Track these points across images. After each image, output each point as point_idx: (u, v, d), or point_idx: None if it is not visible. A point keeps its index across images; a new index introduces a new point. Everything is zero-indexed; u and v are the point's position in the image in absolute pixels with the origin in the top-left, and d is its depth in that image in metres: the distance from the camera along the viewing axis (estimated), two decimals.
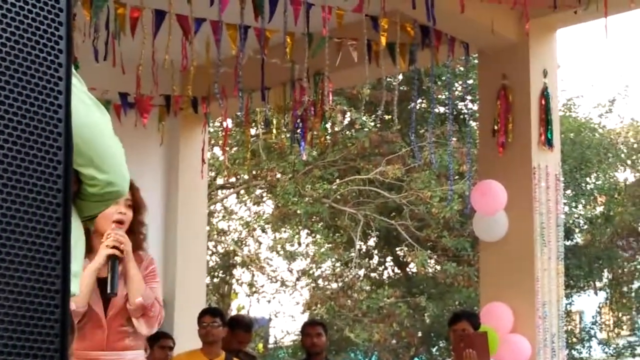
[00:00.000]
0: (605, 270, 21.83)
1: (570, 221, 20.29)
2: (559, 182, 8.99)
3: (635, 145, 22.09)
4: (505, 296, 8.72)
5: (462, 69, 9.78)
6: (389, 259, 20.07)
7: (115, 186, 2.28)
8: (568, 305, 21.42)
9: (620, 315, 23.23)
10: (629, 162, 21.93)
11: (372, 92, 14.54)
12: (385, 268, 20.30)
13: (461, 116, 16.27)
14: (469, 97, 15.00)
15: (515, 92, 8.91)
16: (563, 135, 18.95)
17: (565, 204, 20.08)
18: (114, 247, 4.54)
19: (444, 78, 13.14)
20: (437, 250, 17.56)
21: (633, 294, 22.30)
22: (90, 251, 4.52)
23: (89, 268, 4.51)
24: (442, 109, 16.06)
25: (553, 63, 9.22)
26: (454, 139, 15.65)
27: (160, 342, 8.21)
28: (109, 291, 4.52)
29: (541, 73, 8.89)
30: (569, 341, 21.51)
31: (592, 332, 22.29)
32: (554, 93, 9.12)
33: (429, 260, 17.80)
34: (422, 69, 10.04)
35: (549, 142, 8.83)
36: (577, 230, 21.08)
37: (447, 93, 10.75)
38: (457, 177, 15.42)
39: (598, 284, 22.39)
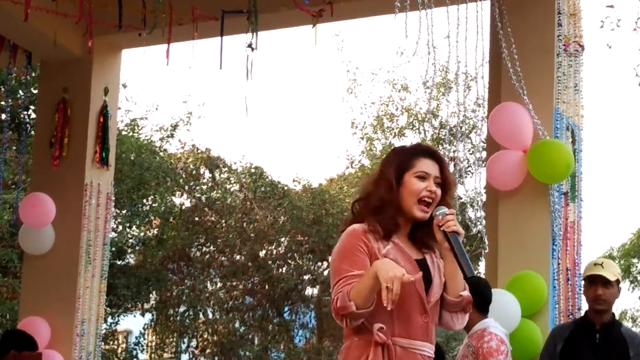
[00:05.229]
0: (154, 292, 22.13)
1: (124, 241, 20.41)
2: (110, 201, 9.03)
3: (194, 172, 22.65)
4: (46, 311, 8.61)
5: (28, 77, 9.58)
6: None
7: None
8: (114, 325, 21.49)
9: (164, 337, 23.62)
10: (186, 187, 22.45)
11: None
12: None
13: (23, 125, 15.90)
14: (32, 107, 14.69)
15: (75, 106, 8.87)
16: (124, 155, 19.05)
17: (120, 223, 20.20)
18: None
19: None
20: None
21: (178, 318, 22.78)
22: (396, 230, 3.97)
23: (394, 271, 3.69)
24: (4, 116, 15.59)
25: (116, 82, 9.26)
26: (14, 147, 15.27)
27: None
28: (468, 274, 3.87)
29: (102, 90, 8.91)
30: None
31: (135, 352, 22.48)
32: (114, 112, 9.17)
33: None
34: None
35: (103, 161, 8.85)
36: (129, 250, 21.22)
37: (9, 100, 10.47)
38: (13, 186, 15.03)
39: (146, 306, 22.64)
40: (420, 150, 4.08)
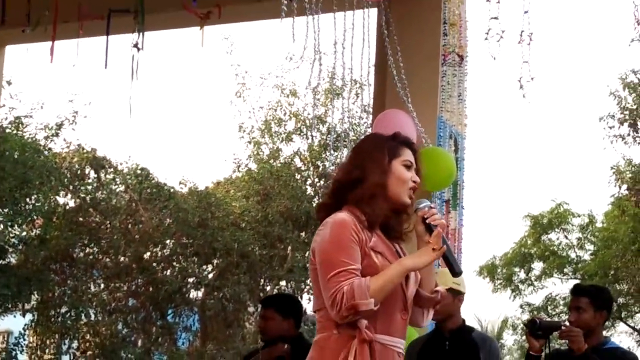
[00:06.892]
0: (35, 293, 21.78)
1: (5, 240, 20.05)
2: None
3: (78, 172, 22.33)
4: None
5: None
6: None
7: None
8: None
9: (45, 338, 23.25)
10: (71, 187, 22.14)
11: None
12: None
13: None
14: None
15: None
16: (7, 153, 18.74)
17: (1, 222, 19.84)
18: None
19: None
20: None
21: (60, 318, 22.45)
22: (381, 220, 3.86)
23: (407, 265, 3.75)
24: None
25: None
26: None
27: None
28: (457, 270, 3.83)
29: None
30: None
31: (14, 353, 22.10)
32: None
33: None
34: None
35: None
36: (11, 249, 20.86)
37: None
38: None
39: (27, 306, 22.26)
40: (404, 140, 3.99)
